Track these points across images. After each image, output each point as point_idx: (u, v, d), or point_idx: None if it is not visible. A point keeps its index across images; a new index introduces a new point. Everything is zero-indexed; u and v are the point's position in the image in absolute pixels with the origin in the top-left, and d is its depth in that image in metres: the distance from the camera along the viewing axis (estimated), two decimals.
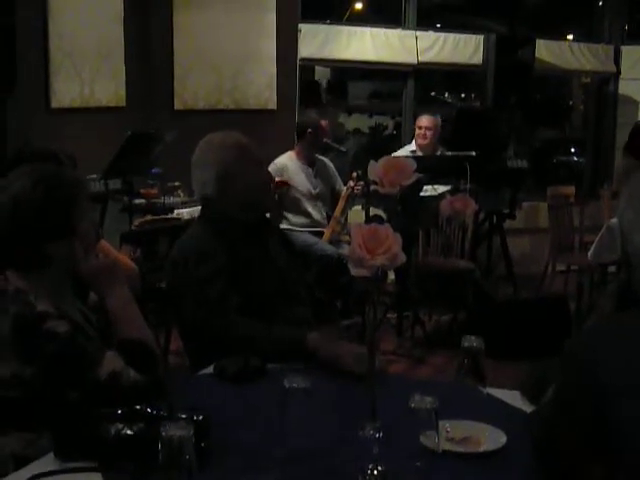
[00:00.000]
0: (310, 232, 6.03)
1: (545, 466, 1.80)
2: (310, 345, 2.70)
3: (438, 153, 7.09)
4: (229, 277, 2.92)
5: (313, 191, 6.12)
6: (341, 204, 6.09)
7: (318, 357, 2.66)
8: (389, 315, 6.22)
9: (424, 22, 8.28)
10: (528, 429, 1.92)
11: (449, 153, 7.03)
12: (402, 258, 1.99)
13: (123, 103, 6.60)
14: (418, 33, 8.02)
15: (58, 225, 2.20)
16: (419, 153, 6.94)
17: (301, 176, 6.09)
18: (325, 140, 6.16)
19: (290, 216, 6.07)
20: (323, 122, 6.14)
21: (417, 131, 7.08)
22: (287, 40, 7.27)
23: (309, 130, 6.07)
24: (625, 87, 9.01)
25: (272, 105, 7.32)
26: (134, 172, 5.55)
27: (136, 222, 5.26)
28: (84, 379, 2.08)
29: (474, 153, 6.66)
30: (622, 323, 1.82)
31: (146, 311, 2.97)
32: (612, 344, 1.69)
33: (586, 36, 9.44)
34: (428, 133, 6.99)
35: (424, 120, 7.05)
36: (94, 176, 5.30)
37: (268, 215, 3.48)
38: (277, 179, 5.74)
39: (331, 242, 6.00)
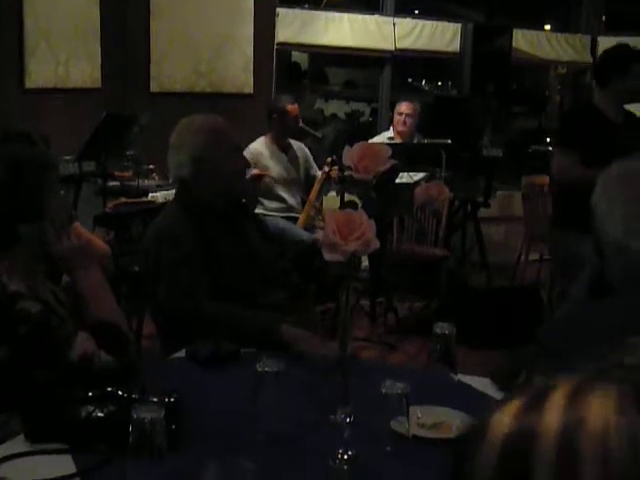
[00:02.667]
0: (284, 217, 6.02)
1: None
2: (284, 337, 2.69)
3: (415, 140, 7.09)
4: (202, 261, 2.92)
5: (287, 176, 6.09)
6: (316, 188, 6.06)
7: (288, 348, 2.64)
8: (362, 301, 6.24)
9: (402, 9, 8.27)
10: None
11: (425, 140, 7.03)
12: (376, 244, 2.00)
13: (98, 84, 6.55)
14: (396, 20, 8.01)
15: (27, 205, 2.19)
16: (397, 140, 6.93)
17: (274, 161, 6.06)
18: (300, 125, 6.12)
19: (264, 201, 6.05)
20: (291, 106, 6.04)
21: (397, 117, 7.04)
22: (264, 24, 7.24)
23: (274, 115, 6.01)
24: None
25: (249, 89, 7.30)
26: (108, 154, 5.52)
27: (110, 205, 5.23)
28: (56, 360, 2.08)
29: (450, 141, 6.67)
30: (594, 312, 1.84)
31: (119, 294, 2.96)
32: (584, 334, 1.70)
33: (563, 26, 9.47)
34: (408, 120, 6.97)
35: (404, 106, 7.02)
36: (68, 157, 5.26)
37: (243, 200, 3.47)
38: (254, 171, 5.71)
39: (306, 227, 5.99)
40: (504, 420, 0.64)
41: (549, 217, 4.93)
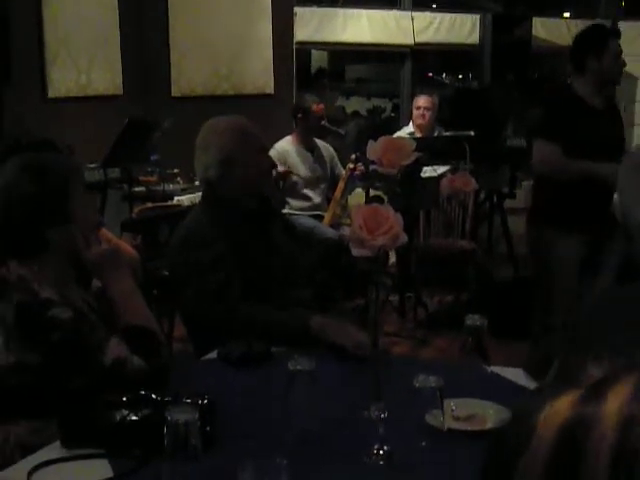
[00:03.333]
0: (310, 216, 6.02)
1: None
2: (313, 328, 2.70)
3: (436, 133, 7.06)
4: (230, 262, 2.92)
5: (312, 175, 6.10)
6: (341, 186, 6.07)
7: (320, 341, 2.65)
8: (391, 297, 6.22)
9: (420, 3, 8.26)
10: None
11: (447, 133, 7.01)
12: (403, 238, 1.99)
13: (120, 91, 6.59)
14: (414, 14, 8.00)
15: (52, 211, 2.20)
16: (417, 134, 6.91)
17: (301, 160, 6.07)
18: (323, 123, 6.12)
19: (290, 200, 6.06)
20: (316, 105, 6.06)
21: (415, 112, 7.03)
22: (283, 24, 7.25)
23: (299, 114, 6.03)
24: None
25: (269, 90, 7.31)
26: (133, 160, 5.55)
27: (136, 210, 5.26)
28: (89, 366, 2.09)
29: (472, 133, 6.64)
30: (625, 298, 1.83)
31: (149, 298, 2.97)
32: (615, 320, 1.69)
33: (583, 13, 9.40)
34: (426, 113, 6.95)
35: (422, 100, 7.00)
36: (93, 165, 5.30)
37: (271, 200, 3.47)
38: (280, 169, 5.73)
39: (332, 225, 5.99)
40: (557, 413, 0.63)
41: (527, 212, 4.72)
